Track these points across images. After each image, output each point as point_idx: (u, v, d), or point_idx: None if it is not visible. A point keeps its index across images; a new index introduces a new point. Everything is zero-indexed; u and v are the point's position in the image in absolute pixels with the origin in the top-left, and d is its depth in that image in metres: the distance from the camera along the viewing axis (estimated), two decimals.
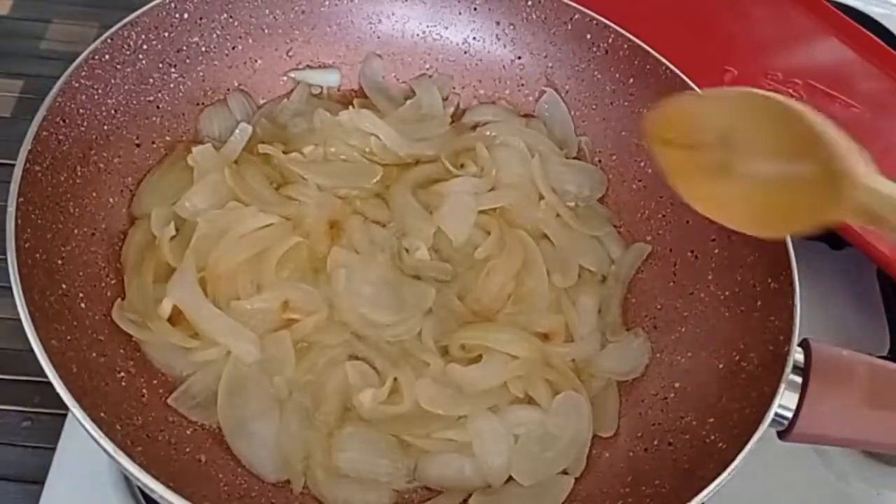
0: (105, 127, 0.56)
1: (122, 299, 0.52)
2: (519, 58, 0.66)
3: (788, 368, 0.47)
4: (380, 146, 0.62)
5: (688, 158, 0.44)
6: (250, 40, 0.63)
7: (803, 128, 0.39)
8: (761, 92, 0.43)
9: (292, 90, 0.65)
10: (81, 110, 0.53)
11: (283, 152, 0.60)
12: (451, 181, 0.61)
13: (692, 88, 0.59)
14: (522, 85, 0.67)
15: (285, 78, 0.65)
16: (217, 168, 0.57)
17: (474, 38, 0.67)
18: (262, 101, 0.65)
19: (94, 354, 0.48)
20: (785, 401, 0.47)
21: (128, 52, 0.56)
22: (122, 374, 0.49)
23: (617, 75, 0.63)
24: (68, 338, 0.48)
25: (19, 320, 0.42)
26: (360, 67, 0.67)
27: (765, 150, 0.41)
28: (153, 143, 0.59)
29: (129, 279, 0.53)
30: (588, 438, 0.53)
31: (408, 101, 0.66)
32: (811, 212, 0.38)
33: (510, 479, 0.51)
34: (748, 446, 0.45)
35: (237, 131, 0.59)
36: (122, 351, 0.50)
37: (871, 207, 0.35)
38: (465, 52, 0.67)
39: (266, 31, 0.64)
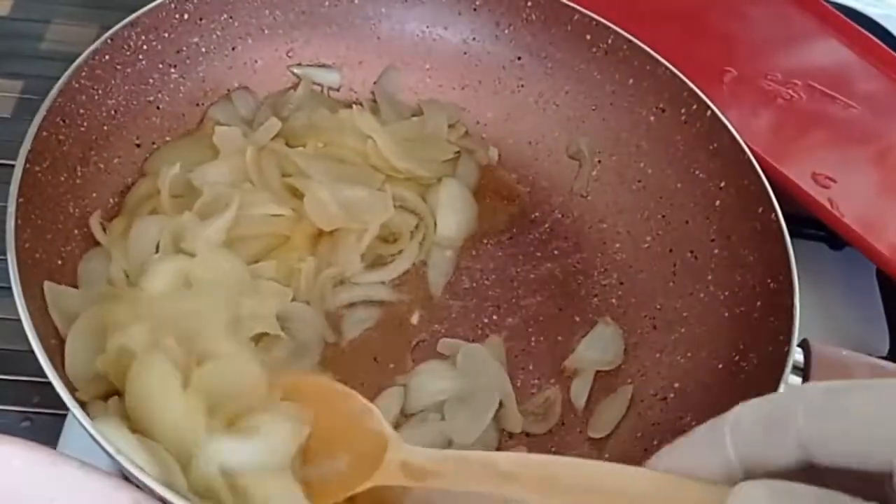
0: (105, 127, 0.56)
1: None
2: (519, 58, 0.66)
3: (788, 369, 0.47)
4: (375, 150, 0.61)
5: None
6: (250, 41, 0.63)
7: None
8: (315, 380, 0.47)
9: (298, 83, 0.65)
10: (81, 110, 0.53)
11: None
12: None
13: (692, 88, 0.59)
14: (522, 86, 0.67)
15: (286, 77, 0.65)
16: (242, 151, 0.57)
17: (474, 39, 0.66)
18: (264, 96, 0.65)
19: None
20: None
21: (128, 53, 0.56)
22: None
23: (617, 75, 0.63)
24: None
25: (19, 320, 0.42)
26: (379, 76, 0.67)
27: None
28: (153, 143, 0.59)
29: (122, 216, 0.54)
30: (504, 375, 0.54)
31: (414, 118, 0.65)
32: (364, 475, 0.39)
33: None
34: None
35: (266, 123, 0.60)
36: None
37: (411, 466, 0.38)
38: (465, 53, 0.67)
39: (266, 31, 0.64)
